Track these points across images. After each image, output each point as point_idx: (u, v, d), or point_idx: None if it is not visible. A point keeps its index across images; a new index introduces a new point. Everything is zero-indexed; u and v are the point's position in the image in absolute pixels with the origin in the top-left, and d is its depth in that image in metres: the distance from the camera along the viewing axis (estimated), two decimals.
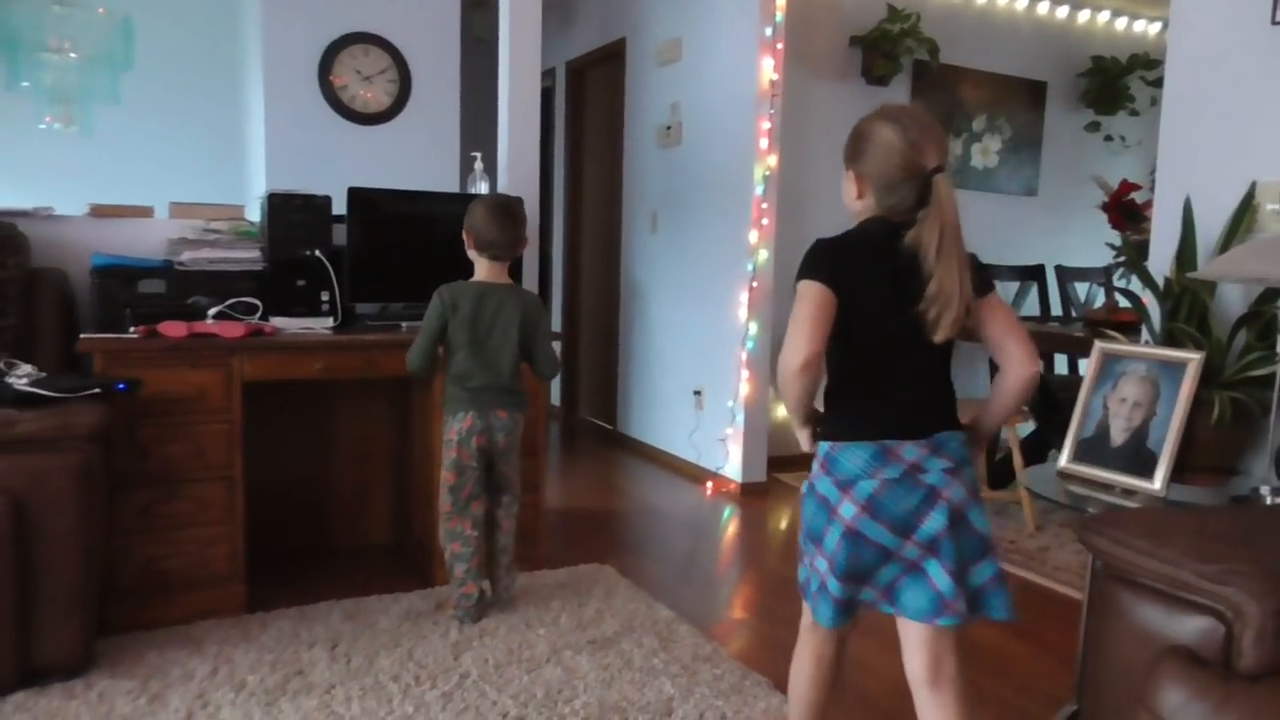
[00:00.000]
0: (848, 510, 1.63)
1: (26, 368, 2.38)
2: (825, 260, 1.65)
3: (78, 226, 2.97)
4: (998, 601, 1.63)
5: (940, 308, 1.58)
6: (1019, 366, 1.69)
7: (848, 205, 1.80)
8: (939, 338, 1.60)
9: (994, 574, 1.64)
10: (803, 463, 4.85)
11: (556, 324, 6.17)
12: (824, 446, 1.69)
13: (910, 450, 1.61)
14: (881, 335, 1.65)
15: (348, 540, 3.41)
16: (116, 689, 2.24)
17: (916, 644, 1.67)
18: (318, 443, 3.35)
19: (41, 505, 2.15)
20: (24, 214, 2.87)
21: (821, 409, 1.74)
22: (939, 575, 1.60)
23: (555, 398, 6.10)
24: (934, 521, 1.58)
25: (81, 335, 2.58)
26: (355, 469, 3.41)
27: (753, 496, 4.27)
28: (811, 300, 1.60)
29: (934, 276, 1.58)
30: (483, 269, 2.67)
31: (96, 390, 2.33)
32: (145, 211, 3.07)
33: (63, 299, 2.78)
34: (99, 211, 3.01)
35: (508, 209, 2.66)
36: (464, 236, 2.67)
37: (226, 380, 2.66)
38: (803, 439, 1.77)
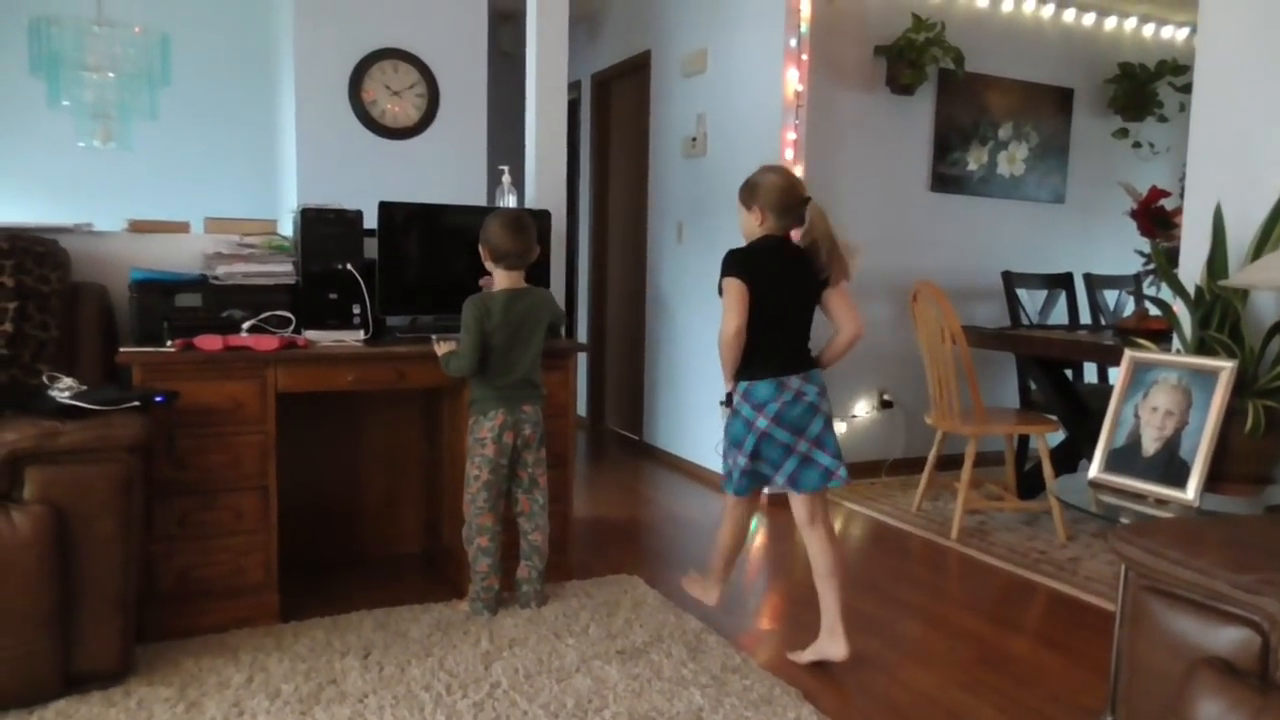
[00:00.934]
0: (761, 423, 2.52)
1: (68, 380, 2.43)
2: (738, 264, 2.52)
3: (117, 242, 3.04)
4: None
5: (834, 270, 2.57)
6: (848, 329, 2.63)
7: (748, 233, 2.60)
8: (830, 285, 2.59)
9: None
10: None
11: (582, 335, 6.19)
12: (743, 385, 2.55)
13: (795, 381, 2.54)
14: (774, 310, 2.53)
15: (378, 549, 3.44)
16: (155, 696, 2.28)
17: (804, 504, 2.62)
18: (349, 453, 3.39)
19: (83, 515, 2.20)
20: (65, 230, 2.93)
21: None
22: (824, 458, 2.55)
23: (582, 408, 6.13)
24: (816, 424, 2.56)
25: (121, 348, 2.64)
26: (386, 479, 3.45)
27: (780, 506, 4.25)
28: (734, 291, 2.49)
29: (838, 259, 2.58)
30: (502, 278, 2.84)
31: (136, 402, 2.38)
32: (182, 227, 3.13)
33: (102, 313, 2.83)
34: (137, 227, 3.07)
35: (519, 221, 2.83)
36: (480, 250, 2.83)
37: (261, 392, 2.70)
38: (729, 382, 2.59)
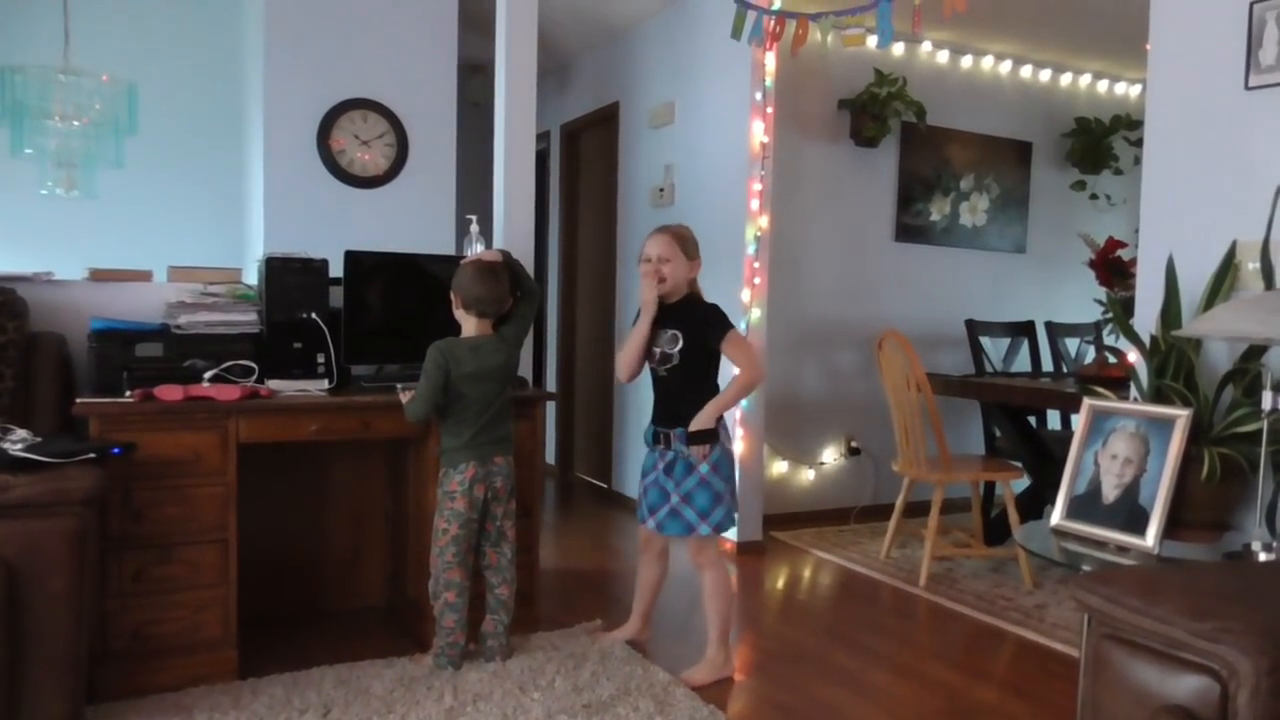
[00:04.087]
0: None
1: (21, 432, 2.38)
2: None
3: (77, 291, 3.00)
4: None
5: None
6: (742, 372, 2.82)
7: (677, 281, 2.82)
8: None
9: None
10: (798, 521, 4.83)
11: (551, 383, 6.18)
12: (723, 424, 2.84)
13: None
14: None
15: (340, 602, 3.38)
16: None
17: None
18: (311, 504, 3.34)
19: (34, 571, 2.14)
20: (24, 279, 2.90)
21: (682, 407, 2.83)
22: None
23: (551, 456, 6.10)
24: None
25: (77, 399, 2.59)
26: (349, 530, 3.40)
27: (749, 555, 4.25)
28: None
29: None
30: (471, 325, 2.84)
31: (92, 454, 2.33)
32: (144, 275, 3.11)
33: (60, 363, 2.79)
34: (98, 276, 3.04)
35: (492, 270, 2.85)
36: (452, 297, 2.84)
37: (222, 443, 2.66)
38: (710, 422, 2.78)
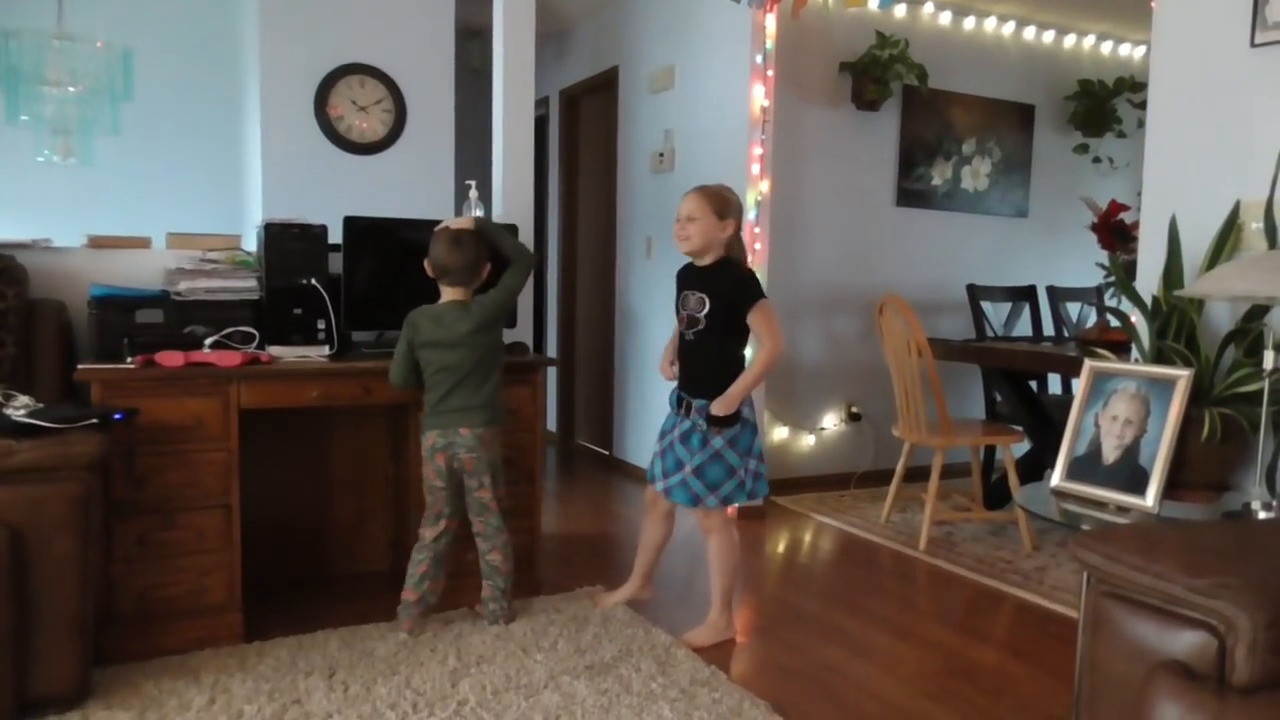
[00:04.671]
0: (755, 422, 2.81)
1: (24, 398, 2.38)
2: (760, 284, 2.77)
3: (76, 257, 2.99)
4: None
5: None
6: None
7: (708, 239, 2.71)
8: None
9: None
10: (799, 486, 4.84)
11: (552, 350, 6.18)
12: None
13: None
14: None
15: (344, 567, 3.40)
16: None
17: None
18: (314, 470, 3.35)
19: (39, 535, 2.15)
20: (22, 246, 2.89)
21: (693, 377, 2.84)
22: None
23: (552, 423, 6.11)
24: None
25: (79, 365, 2.59)
26: (352, 496, 3.42)
27: (750, 520, 4.27)
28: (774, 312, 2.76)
29: None
30: (446, 294, 2.83)
31: (94, 420, 2.34)
32: (143, 242, 3.09)
33: (61, 329, 2.79)
34: (97, 242, 3.03)
35: (458, 239, 2.80)
36: (426, 265, 2.82)
37: (223, 409, 2.67)
38: (739, 402, 2.71)
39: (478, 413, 2.76)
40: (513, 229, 3.34)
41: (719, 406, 2.68)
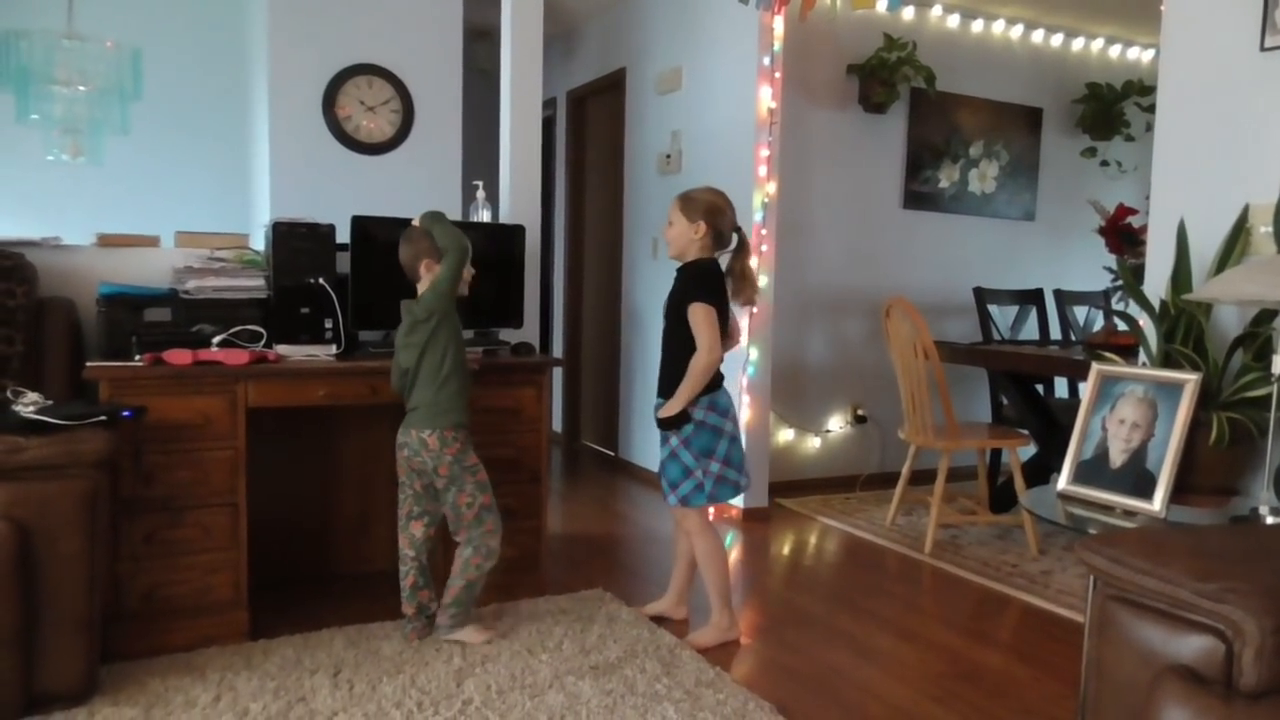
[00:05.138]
0: (730, 427, 2.77)
1: (33, 395, 2.39)
2: (708, 290, 2.69)
3: (85, 256, 3.01)
4: None
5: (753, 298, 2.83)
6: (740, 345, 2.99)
7: (681, 244, 2.73)
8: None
9: None
10: (805, 489, 4.84)
11: (558, 350, 6.19)
12: (705, 399, 2.71)
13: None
14: (721, 328, 2.69)
15: (350, 566, 3.41)
16: (119, 717, 2.24)
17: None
18: (320, 468, 3.36)
19: (47, 532, 2.16)
20: (32, 244, 2.90)
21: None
22: None
23: (557, 424, 6.11)
24: None
25: (88, 363, 2.60)
26: (358, 494, 3.42)
27: (755, 522, 4.27)
28: (712, 318, 2.67)
29: (753, 286, 2.82)
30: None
31: (102, 417, 2.35)
32: (152, 241, 3.11)
33: (70, 327, 2.80)
34: (106, 241, 3.04)
35: (404, 236, 2.72)
36: None
37: (231, 407, 2.68)
38: (682, 403, 2.70)
39: (423, 415, 2.64)
40: (519, 229, 3.35)
41: (663, 409, 2.73)
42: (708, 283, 2.71)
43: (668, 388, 2.75)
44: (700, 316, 2.65)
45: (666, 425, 2.74)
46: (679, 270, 2.78)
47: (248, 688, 2.41)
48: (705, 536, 2.85)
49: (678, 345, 2.73)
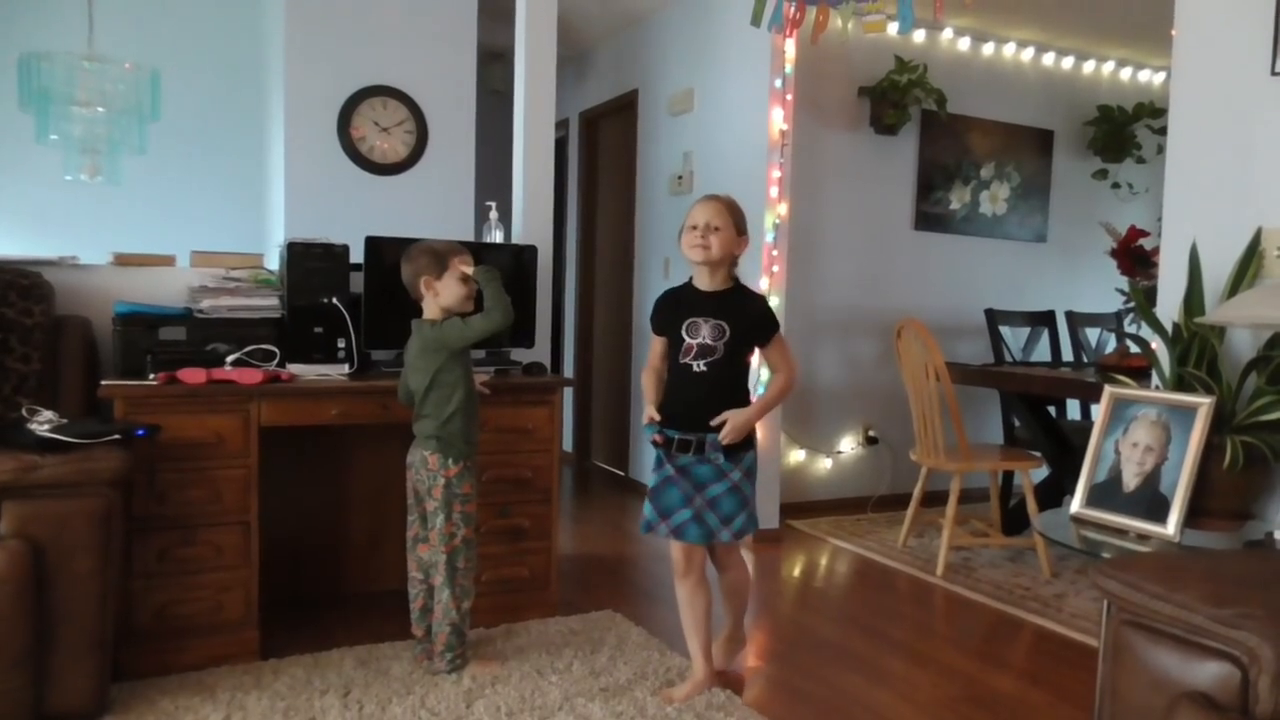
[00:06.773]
0: None
1: (48, 414, 2.41)
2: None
3: (101, 275, 3.03)
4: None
5: None
6: None
7: (724, 251, 2.56)
8: None
9: None
10: (816, 510, 4.83)
11: (569, 370, 6.20)
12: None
13: None
14: None
15: (360, 586, 3.41)
16: None
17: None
18: (332, 487, 3.37)
19: (61, 550, 2.18)
20: (49, 263, 2.93)
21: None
22: None
23: (568, 444, 6.11)
24: None
25: (103, 381, 2.62)
26: (369, 514, 3.43)
27: (766, 543, 4.25)
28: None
29: None
30: None
31: (117, 436, 2.36)
32: (167, 260, 3.14)
33: (85, 346, 2.82)
34: (122, 260, 3.07)
35: (406, 255, 2.67)
36: None
37: (244, 426, 2.69)
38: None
39: (431, 439, 2.62)
40: (532, 249, 3.37)
41: (731, 433, 2.46)
42: (769, 305, 2.68)
43: (710, 415, 2.48)
44: (786, 343, 2.64)
45: (738, 451, 2.51)
46: (733, 298, 2.56)
47: (258, 708, 2.41)
48: (744, 569, 2.79)
49: (735, 373, 2.54)
